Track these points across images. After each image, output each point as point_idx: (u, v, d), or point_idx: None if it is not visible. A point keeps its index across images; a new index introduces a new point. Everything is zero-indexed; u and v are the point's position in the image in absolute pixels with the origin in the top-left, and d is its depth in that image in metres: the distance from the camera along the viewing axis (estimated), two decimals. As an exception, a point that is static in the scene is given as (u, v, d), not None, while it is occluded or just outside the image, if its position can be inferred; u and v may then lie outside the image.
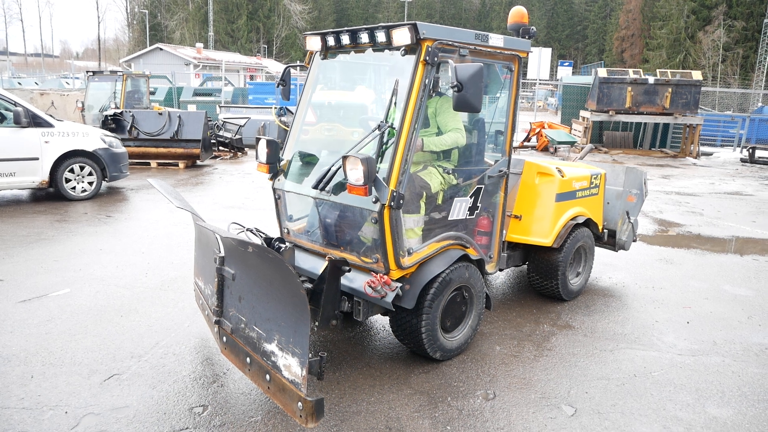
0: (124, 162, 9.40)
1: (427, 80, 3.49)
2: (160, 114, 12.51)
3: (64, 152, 8.54)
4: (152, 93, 20.38)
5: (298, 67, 4.51)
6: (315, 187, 3.79)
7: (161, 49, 39.75)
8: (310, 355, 2.80)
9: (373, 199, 3.45)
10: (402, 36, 3.43)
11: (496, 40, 3.91)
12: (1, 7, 61.98)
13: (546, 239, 4.77)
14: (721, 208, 9.68)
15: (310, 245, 4.13)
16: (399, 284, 3.58)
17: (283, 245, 4.11)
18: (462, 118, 4.20)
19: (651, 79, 16.45)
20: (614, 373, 3.79)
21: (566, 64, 36.47)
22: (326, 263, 3.54)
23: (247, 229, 4.16)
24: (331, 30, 3.91)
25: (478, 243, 4.28)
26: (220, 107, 18.05)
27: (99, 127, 11.56)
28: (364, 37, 3.66)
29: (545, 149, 17.39)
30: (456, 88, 3.27)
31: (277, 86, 4.47)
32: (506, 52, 4.00)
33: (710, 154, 17.75)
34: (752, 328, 4.64)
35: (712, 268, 6.27)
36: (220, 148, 14.50)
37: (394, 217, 3.48)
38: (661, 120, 16.81)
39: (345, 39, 3.80)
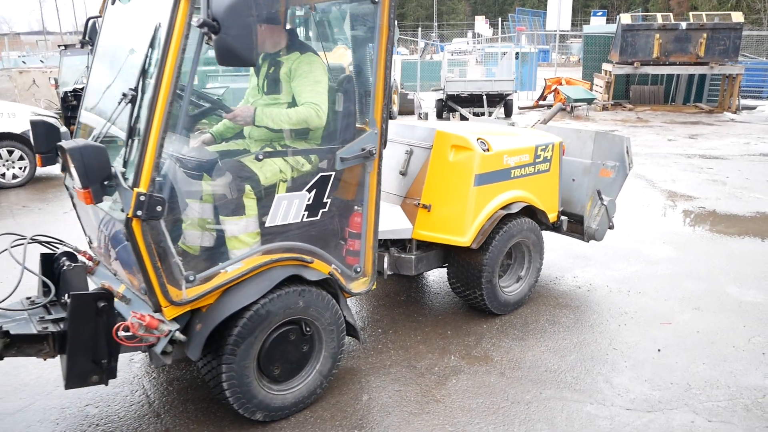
0: (60, 143, 8.47)
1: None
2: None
3: (-13, 136, 7.66)
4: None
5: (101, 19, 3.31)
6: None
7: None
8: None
9: (121, 207, 2.30)
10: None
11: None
12: (34, -14, 62.21)
13: (462, 237, 3.49)
14: (750, 174, 8.01)
15: (105, 263, 3.02)
16: (175, 326, 2.44)
17: (71, 263, 2.98)
18: (327, 84, 2.96)
19: (683, 24, 14.33)
20: (515, 448, 2.56)
21: (599, 14, 33.35)
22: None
23: (32, 240, 3.05)
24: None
25: (350, 250, 3.07)
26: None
27: (59, 106, 10.71)
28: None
29: (562, 108, 15.62)
30: (210, 29, 2.06)
31: (82, 46, 3.34)
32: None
33: (753, 107, 15.54)
34: (751, 360, 3.28)
35: (719, 260, 4.83)
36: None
37: (151, 232, 2.30)
38: (695, 70, 14.74)
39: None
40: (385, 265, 3.61)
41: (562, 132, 4.37)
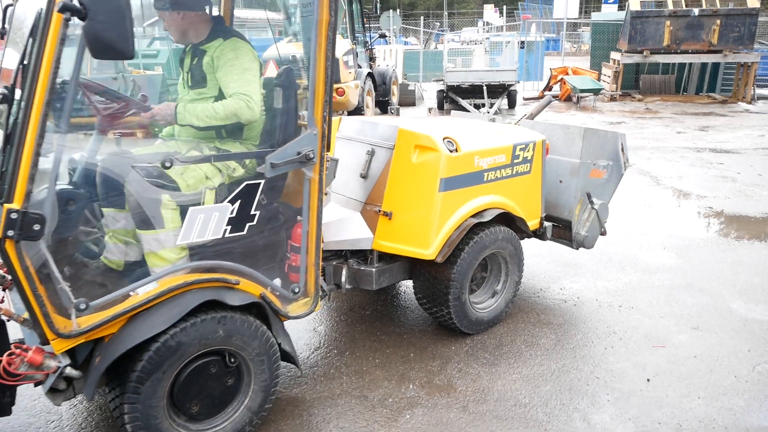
0: None
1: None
2: (115, 78, 11.20)
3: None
4: (155, 56, 19.09)
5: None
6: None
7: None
8: None
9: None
10: None
11: None
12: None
13: (425, 249, 3.10)
14: (763, 170, 7.49)
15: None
16: (66, 361, 2.09)
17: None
18: (258, 71, 2.61)
19: (695, 11, 13.66)
20: (467, 506, 2.19)
21: (611, 0, 32.42)
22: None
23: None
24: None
25: (292, 266, 2.70)
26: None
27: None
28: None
29: (568, 99, 15.07)
30: (74, 14, 1.72)
31: (1, 37, 2.99)
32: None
33: (770, 97, 14.89)
34: (754, 394, 2.86)
35: (725, 269, 4.39)
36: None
37: (29, 255, 1.94)
38: (708, 59, 14.08)
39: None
40: (343, 279, 3.23)
41: (548, 128, 3.95)
